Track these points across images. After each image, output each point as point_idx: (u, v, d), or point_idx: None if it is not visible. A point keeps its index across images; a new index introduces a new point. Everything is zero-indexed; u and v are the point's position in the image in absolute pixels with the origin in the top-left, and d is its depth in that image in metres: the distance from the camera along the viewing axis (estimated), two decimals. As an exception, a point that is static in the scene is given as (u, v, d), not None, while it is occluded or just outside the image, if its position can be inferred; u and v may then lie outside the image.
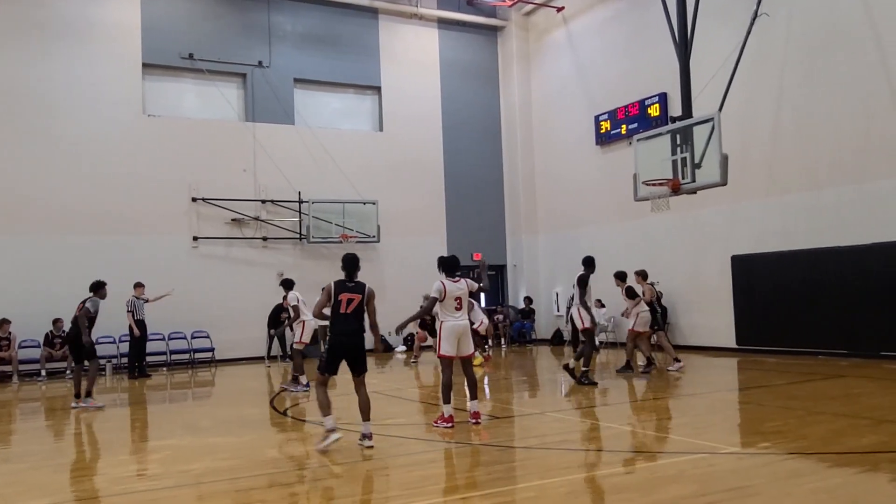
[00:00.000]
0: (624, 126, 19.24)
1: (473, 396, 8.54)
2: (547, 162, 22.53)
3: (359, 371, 7.40)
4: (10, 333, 16.16)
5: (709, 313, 17.11)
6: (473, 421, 8.39)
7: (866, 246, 13.86)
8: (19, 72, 17.34)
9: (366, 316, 7.60)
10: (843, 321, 14.21)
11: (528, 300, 22.29)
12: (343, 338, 7.39)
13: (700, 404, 10.07)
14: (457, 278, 9.03)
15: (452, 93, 22.41)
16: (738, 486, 5.50)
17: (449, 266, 9.39)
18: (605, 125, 20.00)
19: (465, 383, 8.72)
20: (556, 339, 21.44)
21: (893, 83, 13.60)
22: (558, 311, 21.89)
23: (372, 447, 7.10)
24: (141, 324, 16.21)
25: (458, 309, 8.68)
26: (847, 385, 11.04)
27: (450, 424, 8.16)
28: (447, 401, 8.34)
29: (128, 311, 16.05)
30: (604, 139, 20.08)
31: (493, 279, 23.19)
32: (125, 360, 17.04)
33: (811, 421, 7.95)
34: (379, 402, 11.51)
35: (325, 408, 7.27)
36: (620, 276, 13.96)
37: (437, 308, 8.69)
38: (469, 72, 22.83)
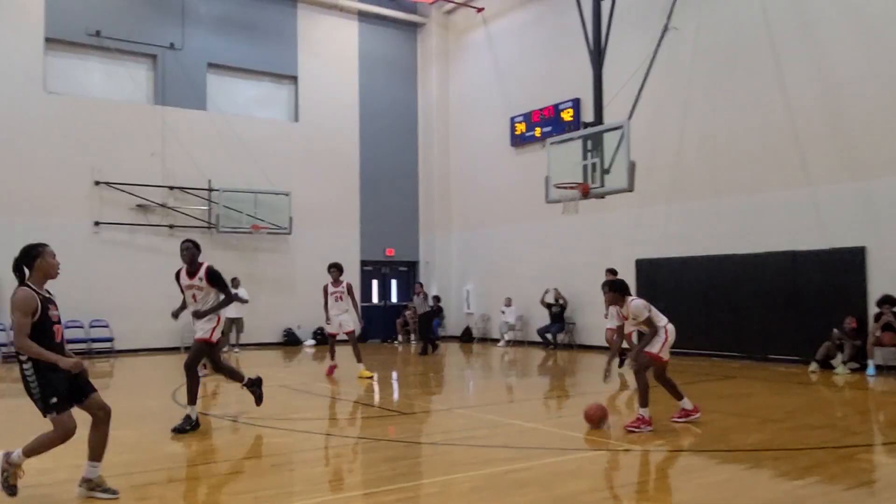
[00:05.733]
0: (538, 129, 19.62)
1: None
2: (462, 160, 22.74)
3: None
4: None
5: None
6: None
7: (759, 254, 14.63)
8: None
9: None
10: (735, 325, 14.98)
11: (437, 298, 22.45)
12: None
13: (601, 403, 10.38)
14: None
15: (370, 87, 22.31)
16: (632, 482, 5.74)
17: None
18: (520, 127, 20.35)
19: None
20: (465, 337, 21.68)
21: (788, 100, 14.40)
22: (468, 308, 22.14)
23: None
24: None
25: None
26: (737, 386, 11.64)
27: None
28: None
29: None
30: (518, 141, 20.42)
31: (406, 274, 23.26)
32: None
33: (703, 420, 8.34)
34: (285, 395, 11.40)
35: None
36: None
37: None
38: (388, 66, 22.77)
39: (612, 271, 13.74)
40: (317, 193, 20.86)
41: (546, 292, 18.51)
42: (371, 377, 12.58)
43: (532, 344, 19.30)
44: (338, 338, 13.20)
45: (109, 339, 17.69)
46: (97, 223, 18.04)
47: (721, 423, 8.25)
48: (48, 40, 17.82)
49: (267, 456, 6.86)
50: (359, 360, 12.88)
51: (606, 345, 17.62)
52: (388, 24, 22.81)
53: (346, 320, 13.03)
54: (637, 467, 6.27)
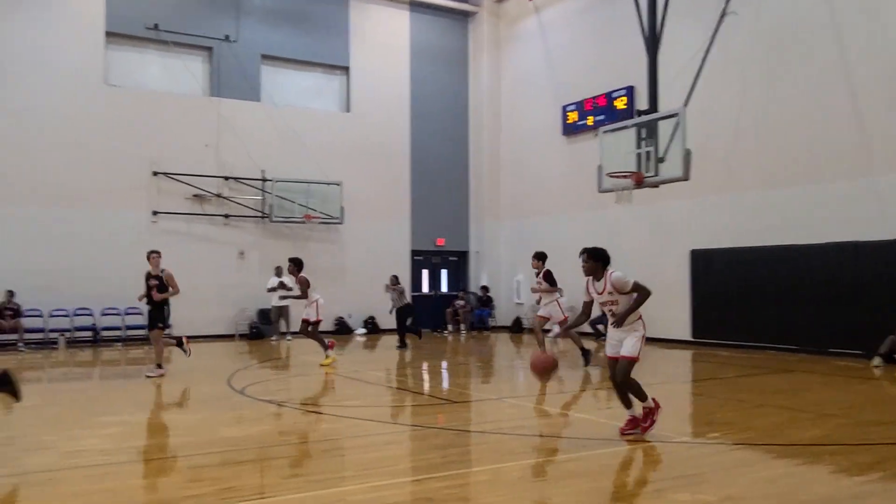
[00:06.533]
0: (590, 117, 19.38)
1: None
2: (513, 150, 22.62)
3: None
4: (-41, 303, 15.77)
5: (665, 306, 17.34)
6: None
7: (819, 245, 14.20)
8: (-24, 35, 16.82)
9: None
10: (793, 317, 14.58)
11: (485, 289, 22.42)
12: None
13: (653, 394, 10.23)
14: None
15: (421, 77, 22.32)
16: (686, 474, 5.64)
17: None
18: (572, 116, 20.12)
19: None
20: (516, 327, 21.61)
21: (851, 85, 13.91)
22: (518, 298, 22.06)
23: None
24: None
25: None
26: (794, 380, 11.34)
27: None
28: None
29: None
30: (570, 129, 20.21)
31: (456, 264, 23.28)
32: (81, 333, 16.82)
33: (759, 413, 8.15)
34: (336, 383, 11.54)
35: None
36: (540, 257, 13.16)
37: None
38: (439, 56, 22.75)
39: (538, 254, 13.24)
40: (368, 183, 21.00)
41: (595, 283, 18.27)
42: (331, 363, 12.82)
43: (583, 335, 19.08)
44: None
45: (168, 326, 18.09)
46: (155, 213, 18.48)
47: (776, 417, 8.05)
48: (108, 34, 18.27)
49: (318, 441, 6.95)
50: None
51: (661, 337, 17.37)
52: (439, 13, 22.78)
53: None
54: (689, 460, 6.16)
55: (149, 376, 11.24)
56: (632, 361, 6.88)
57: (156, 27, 18.67)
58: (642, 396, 6.94)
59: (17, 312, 16.30)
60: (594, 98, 19.40)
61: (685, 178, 12.51)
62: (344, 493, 5.18)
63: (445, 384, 11.66)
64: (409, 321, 16.56)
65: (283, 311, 18.50)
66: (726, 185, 15.98)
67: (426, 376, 12.65)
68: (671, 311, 17.11)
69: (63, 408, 9.17)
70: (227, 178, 19.35)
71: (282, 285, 17.84)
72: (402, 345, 16.22)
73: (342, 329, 20.42)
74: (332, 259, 20.36)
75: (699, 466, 5.93)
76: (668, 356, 15.03)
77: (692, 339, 16.60)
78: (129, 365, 14.48)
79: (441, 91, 22.66)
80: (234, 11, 19.80)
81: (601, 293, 7.12)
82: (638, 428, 6.92)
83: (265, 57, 20.32)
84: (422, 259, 22.59)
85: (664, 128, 12.85)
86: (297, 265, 13.38)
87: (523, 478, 5.65)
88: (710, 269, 16.30)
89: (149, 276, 11.71)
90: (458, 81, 23.13)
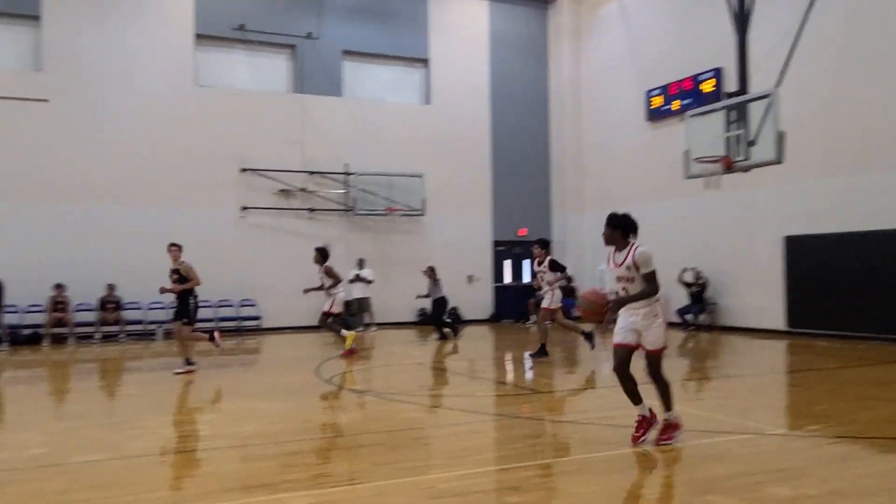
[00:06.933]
0: (676, 101, 18.84)
1: None
2: (595, 138, 22.24)
3: None
4: (66, 297, 16.67)
5: (757, 294, 16.79)
6: None
7: (926, 229, 13.40)
8: (74, 42, 17.67)
9: None
10: (898, 306, 13.82)
11: (568, 279, 22.10)
12: None
13: (747, 385, 9.91)
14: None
15: (501, 67, 22.21)
16: (785, 468, 5.42)
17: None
18: (657, 101, 19.62)
19: None
20: (600, 317, 21.26)
21: (962, 60, 13.04)
22: (603, 288, 21.71)
23: None
24: None
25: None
26: (900, 371, 10.76)
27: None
28: None
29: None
30: (654, 115, 19.72)
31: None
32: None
33: (861, 405, 7.77)
34: (422, 373, 11.64)
35: None
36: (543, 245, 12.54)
37: None
38: (518, 46, 22.58)
39: (540, 242, 12.57)
40: (449, 174, 21.07)
41: (684, 271, 17.83)
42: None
43: (670, 325, 18.65)
44: None
45: (257, 318, 18.70)
46: (244, 208, 19.06)
47: (882, 410, 7.65)
48: (198, 36, 18.93)
49: (405, 430, 7.02)
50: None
51: (752, 327, 16.75)
52: (518, 2, 22.59)
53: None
54: (788, 453, 5.92)
55: (177, 373, 10.92)
56: (661, 352, 6.11)
57: (241, 28, 19.20)
58: (668, 404, 6.14)
59: (118, 305, 17.15)
60: (679, 82, 18.85)
61: (778, 161, 12.00)
62: (433, 481, 5.21)
63: (529, 374, 11.59)
64: (444, 316, 16.79)
65: (363, 303, 18.78)
66: (822, 167, 15.25)
67: (509, 366, 12.61)
68: (764, 299, 16.51)
69: (163, 395, 9.57)
70: (311, 173, 19.76)
71: (358, 278, 18.18)
72: (442, 336, 16.26)
73: (425, 320, 20.55)
74: (415, 251, 20.52)
75: (799, 460, 5.69)
76: (761, 346, 14.51)
77: (787, 329, 15.95)
78: (221, 355, 14.99)
79: (521, 80, 22.49)
80: (316, 9, 20.16)
81: (619, 265, 6.24)
82: (650, 431, 6.11)
83: (346, 52, 20.63)
84: (504, 249, 22.52)
85: (755, 110, 12.35)
86: (322, 255, 13.33)
87: (612, 468, 5.55)
88: (806, 255, 15.62)
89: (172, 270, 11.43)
90: (538, 70, 22.90)
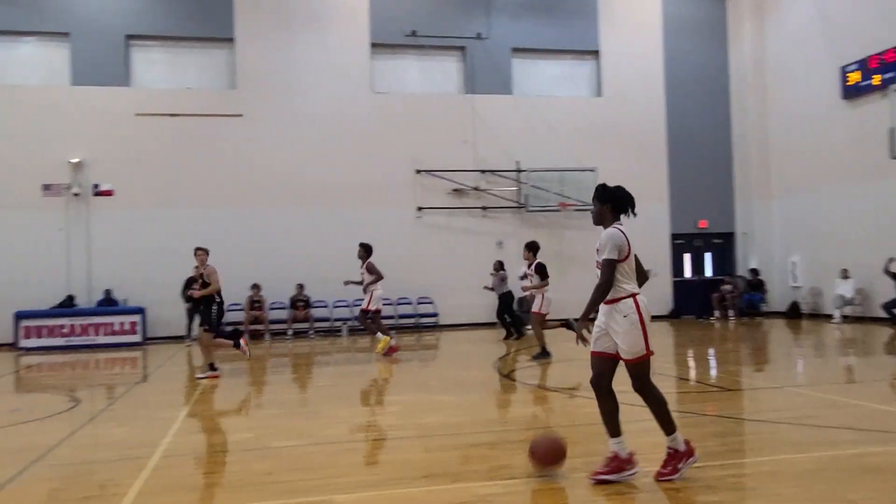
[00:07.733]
0: (877, 76, 17.17)
1: None
2: (782, 121, 20.76)
3: None
4: (261, 296, 18.00)
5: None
6: None
7: None
8: (263, 60, 19.07)
9: None
10: None
11: (755, 272, 20.81)
12: None
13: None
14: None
15: (676, 52, 21.29)
16: None
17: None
18: (854, 76, 17.98)
19: None
20: (792, 312, 19.87)
21: None
22: (794, 282, 20.28)
23: None
24: None
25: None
26: None
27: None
28: None
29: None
30: (851, 92, 18.08)
31: (721, 247, 21.97)
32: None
33: None
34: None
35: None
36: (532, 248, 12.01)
37: None
38: (694, 29, 21.56)
39: (528, 245, 11.82)
40: (623, 167, 20.42)
41: (891, 261, 16.22)
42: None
43: (875, 320, 17.05)
44: None
45: (434, 315, 19.22)
46: (420, 208, 19.65)
47: None
48: (373, 45, 19.76)
49: (585, 424, 6.90)
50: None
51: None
52: (692, -17, 21.59)
53: None
54: None
55: (199, 378, 10.61)
56: (642, 362, 4.99)
57: (413, 34, 19.80)
58: (668, 427, 5.00)
59: (307, 303, 18.28)
60: (880, 54, 17.15)
61: None
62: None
63: (714, 371, 11.03)
64: (510, 313, 16.32)
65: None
66: None
67: (692, 363, 12.08)
68: None
69: (350, 387, 10.08)
70: (483, 172, 20.00)
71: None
72: (509, 334, 15.72)
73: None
74: (589, 246, 19.97)
75: None
76: None
77: None
78: (403, 351, 15.55)
79: (698, 65, 21.46)
80: (484, 9, 20.38)
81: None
82: (613, 472, 4.94)
83: (515, 50, 20.68)
84: (683, 242, 21.61)
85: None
86: (366, 250, 12.93)
87: (812, 470, 5.15)
88: None
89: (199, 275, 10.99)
90: (717, 53, 21.74)
